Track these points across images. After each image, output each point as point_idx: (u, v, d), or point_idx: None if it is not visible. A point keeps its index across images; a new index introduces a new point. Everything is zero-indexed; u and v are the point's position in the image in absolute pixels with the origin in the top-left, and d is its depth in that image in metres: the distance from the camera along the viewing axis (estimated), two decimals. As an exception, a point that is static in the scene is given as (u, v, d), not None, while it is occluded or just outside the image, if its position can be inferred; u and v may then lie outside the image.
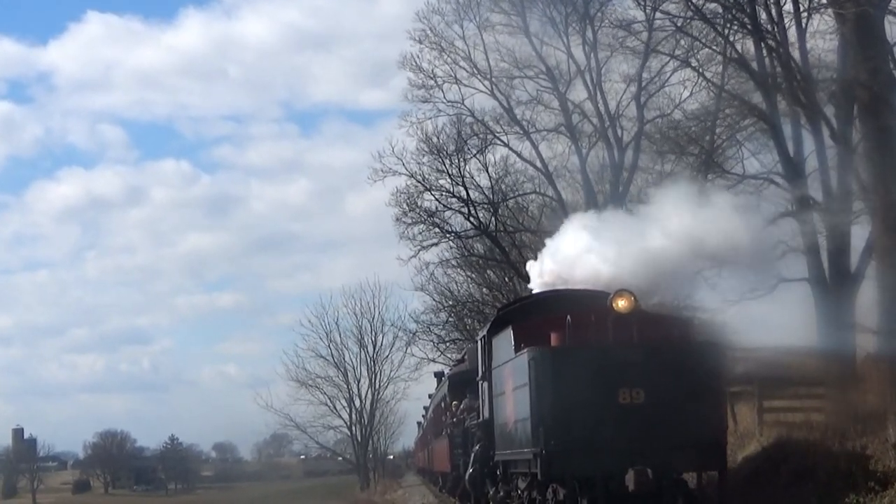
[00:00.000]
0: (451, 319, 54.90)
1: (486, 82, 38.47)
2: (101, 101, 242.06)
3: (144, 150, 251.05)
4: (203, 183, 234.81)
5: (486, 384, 21.85)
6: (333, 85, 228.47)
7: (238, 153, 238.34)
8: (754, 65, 26.77)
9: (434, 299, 53.91)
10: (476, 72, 38.51)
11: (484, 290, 52.44)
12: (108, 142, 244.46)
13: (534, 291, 23.69)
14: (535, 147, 39.17)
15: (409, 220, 41.76)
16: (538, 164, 39.30)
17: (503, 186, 42.54)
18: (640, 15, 32.15)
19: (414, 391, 78.96)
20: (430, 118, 39.94)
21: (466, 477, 25.27)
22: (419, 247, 42.59)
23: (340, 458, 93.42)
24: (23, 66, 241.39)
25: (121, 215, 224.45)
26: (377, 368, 79.66)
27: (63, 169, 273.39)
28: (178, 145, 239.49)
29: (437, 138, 40.33)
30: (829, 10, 24.09)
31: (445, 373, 40.52)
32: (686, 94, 33.12)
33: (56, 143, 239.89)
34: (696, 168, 29.68)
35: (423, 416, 60.44)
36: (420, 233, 42.12)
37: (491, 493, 23.09)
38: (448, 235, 43.48)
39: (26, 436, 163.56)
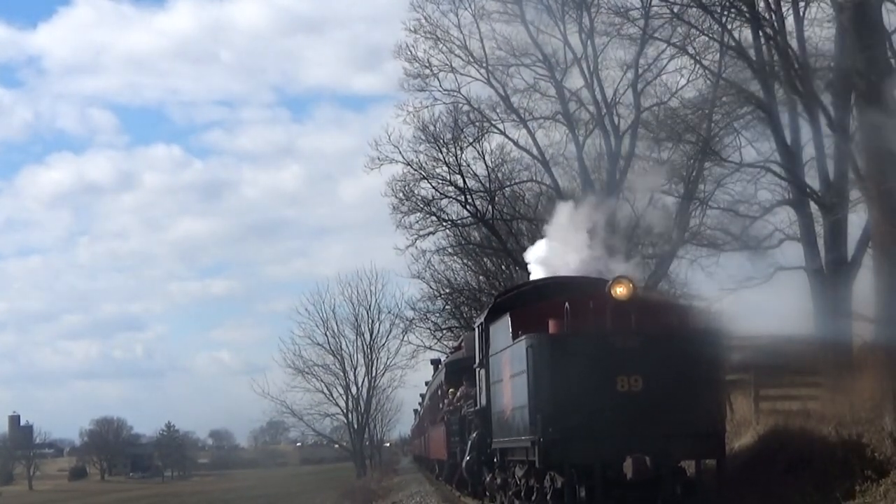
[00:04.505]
0: (447, 307, 54.96)
1: (483, 70, 38.43)
2: (92, 85, 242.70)
3: (135, 135, 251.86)
4: (195, 168, 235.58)
5: (483, 371, 21.86)
6: (326, 69, 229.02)
7: (230, 138, 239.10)
8: (752, 53, 26.75)
9: (431, 287, 54.00)
10: (472, 60, 38.46)
11: (481, 277, 52.48)
12: (99, 126, 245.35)
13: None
14: (532, 135, 39.15)
15: (406, 209, 41.80)
16: (535, 152, 39.28)
17: (500, 175, 42.56)
18: (636, 2, 32.13)
19: (411, 379, 79.23)
20: (427, 107, 39.96)
21: (463, 465, 25.30)
22: (416, 235, 42.64)
23: (337, 446, 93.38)
24: (12, 49, 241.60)
25: (113, 201, 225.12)
26: (374, 356, 79.78)
27: (53, 154, 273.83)
28: (168, 130, 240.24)
29: (434, 126, 40.36)
30: (827, -1, 24.10)
31: (442, 360, 40.58)
32: (683, 81, 33.11)
33: (46, 127, 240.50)
34: (694, 156, 29.69)
35: (419, 403, 60.48)
36: (417, 221, 42.16)
37: (488, 480, 23.12)
38: (445, 224, 43.51)
39: (23, 423, 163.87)
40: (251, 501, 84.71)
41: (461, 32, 38.23)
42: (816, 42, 25.98)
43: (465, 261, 52.31)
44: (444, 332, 55.92)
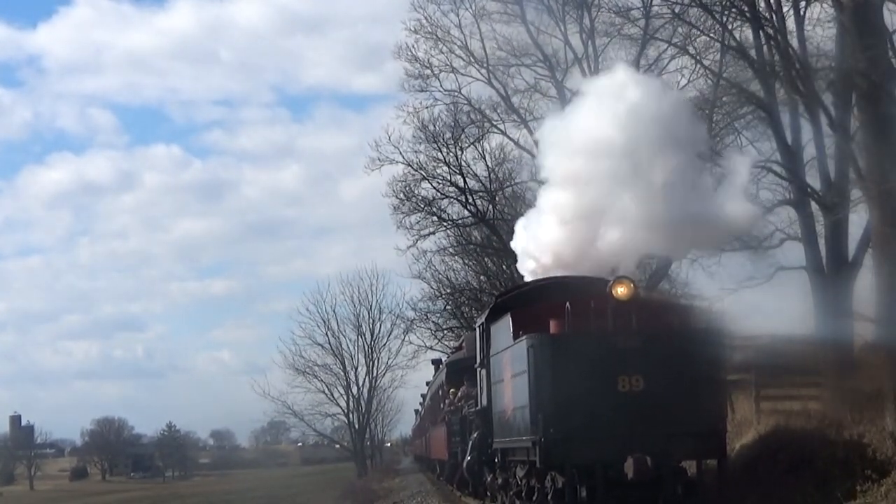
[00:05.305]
0: (448, 307, 54.97)
1: (483, 71, 38.48)
2: (91, 84, 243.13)
3: (135, 135, 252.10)
4: (195, 168, 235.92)
5: (484, 371, 21.87)
6: (326, 68, 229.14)
7: (229, 138, 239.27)
8: (752, 53, 26.74)
9: (432, 287, 54.02)
10: (473, 60, 38.51)
11: (481, 277, 52.48)
12: (99, 126, 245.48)
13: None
14: (533, 135, 39.17)
15: (407, 210, 41.84)
16: (535, 151, 39.28)
17: (500, 174, 42.61)
18: (637, 2, 32.16)
19: (411, 379, 79.34)
20: (427, 107, 40.01)
21: (464, 465, 25.30)
22: (417, 236, 42.68)
23: (338, 446, 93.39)
24: (12, 49, 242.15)
25: (113, 201, 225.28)
26: (375, 356, 79.76)
27: (53, 154, 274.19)
28: (168, 130, 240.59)
29: (434, 126, 40.40)
30: (828, -2, 24.09)
31: (443, 360, 40.58)
32: (684, 81, 33.08)
33: (46, 127, 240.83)
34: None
35: (420, 403, 60.48)
36: (417, 222, 42.22)
37: (489, 480, 23.12)
38: (445, 224, 43.55)
39: (24, 423, 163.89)
40: (252, 502, 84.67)
41: (462, 33, 38.29)
42: (817, 42, 25.97)
43: (466, 261, 52.35)
44: (445, 332, 55.96)
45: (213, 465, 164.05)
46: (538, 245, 22.57)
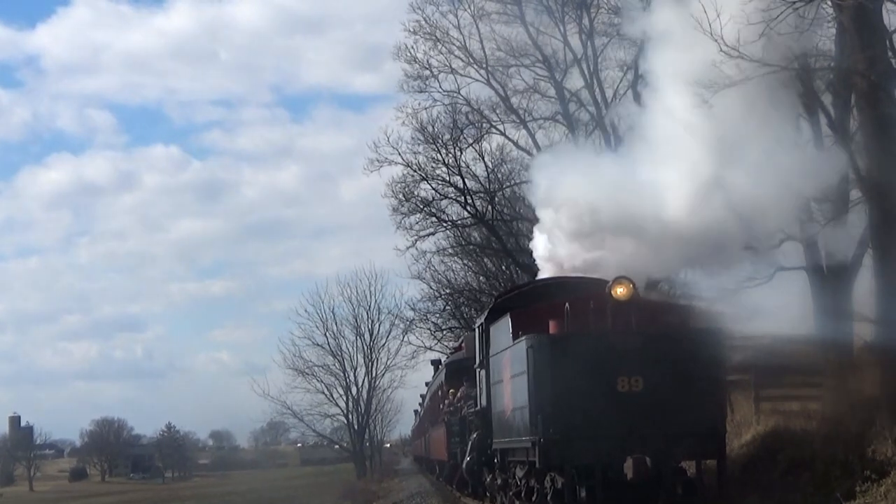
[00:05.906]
0: (448, 308, 54.96)
1: (482, 71, 38.53)
2: (90, 84, 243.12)
3: (133, 135, 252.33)
4: (194, 168, 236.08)
5: (483, 372, 21.86)
6: (325, 68, 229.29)
7: (229, 138, 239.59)
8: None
9: (431, 287, 54.02)
10: (472, 61, 38.56)
11: (481, 278, 52.48)
12: (98, 127, 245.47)
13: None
14: (532, 135, 39.25)
15: (406, 210, 41.84)
16: (535, 152, 39.31)
17: (499, 175, 42.63)
18: (636, 2, 32.12)
19: (411, 379, 79.22)
20: (426, 108, 40.02)
21: (464, 465, 25.30)
22: (416, 236, 42.68)
23: (337, 447, 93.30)
24: (11, 49, 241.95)
25: (112, 201, 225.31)
26: (374, 356, 79.65)
27: (52, 154, 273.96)
28: (167, 130, 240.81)
29: (432, 127, 40.42)
30: (828, -1, 24.05)
31: (442, 361, 40.58)
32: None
33: (45, 127, 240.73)
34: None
35: (420, 404, 60.46)
36: (417, 222, 42.22)
37: (488, 481, 23.11)
38: (445, 224, 43.55)
39: (23, 423, 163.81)
40: (252, 503, 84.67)
41: (461, 33, 38.38)
42: (817, 42, 25.94)
43: (465, 261, 52.36)
44: (445, 332, 55.94)
45: (212, 466, 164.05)
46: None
